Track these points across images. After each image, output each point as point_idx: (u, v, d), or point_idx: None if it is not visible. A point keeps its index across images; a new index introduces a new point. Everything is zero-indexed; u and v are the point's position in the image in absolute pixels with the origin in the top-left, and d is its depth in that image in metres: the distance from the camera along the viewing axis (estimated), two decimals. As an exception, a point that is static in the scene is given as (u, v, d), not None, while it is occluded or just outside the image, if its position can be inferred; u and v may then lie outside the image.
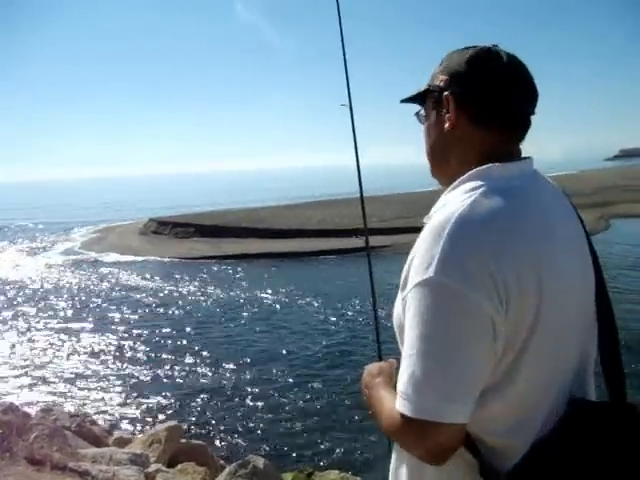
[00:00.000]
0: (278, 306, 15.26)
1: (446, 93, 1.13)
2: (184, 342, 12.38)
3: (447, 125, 1.13)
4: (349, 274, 17.97)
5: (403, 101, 1.26)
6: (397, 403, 0.98)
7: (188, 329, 13.39)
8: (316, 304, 15.09)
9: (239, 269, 20.46)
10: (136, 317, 14.71)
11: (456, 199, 1.00)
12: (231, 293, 16.83)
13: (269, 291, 16.78)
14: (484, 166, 1.06)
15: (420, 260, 0.96)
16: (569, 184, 39.07)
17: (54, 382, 10.35)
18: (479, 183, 1.02)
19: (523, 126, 1.13)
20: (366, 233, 1.88)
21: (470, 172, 1.05)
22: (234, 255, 22.71)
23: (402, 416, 0.97)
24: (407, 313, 0.97)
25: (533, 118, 1.14)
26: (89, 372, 10.85)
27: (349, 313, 13.88)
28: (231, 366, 10.78)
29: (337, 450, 7.39)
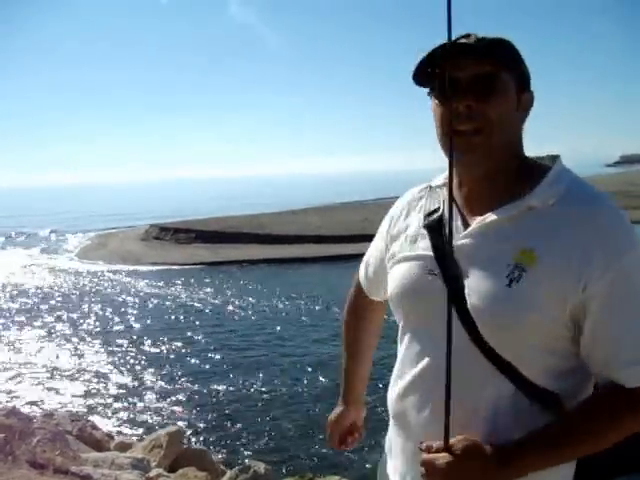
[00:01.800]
0: (278, 312, 15.28)
1: (528, 94, 1.16)
2: (185, 347, 12.40)
3: (521, 118, 1.16)
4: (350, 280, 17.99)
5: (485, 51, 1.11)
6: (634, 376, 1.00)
7: (190, 334, 13.41)
8: (317, 310, 15.12)
9: (240, 275, 20.50)
10: (137, 322, 14.74)
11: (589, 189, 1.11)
12: (232, 299, 16.85)
13: (269, 297, 16.80)
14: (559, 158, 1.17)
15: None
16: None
17: (56, 386, 10.37)
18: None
19: None
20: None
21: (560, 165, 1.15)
22: (235, 261, 22.76)
23: None
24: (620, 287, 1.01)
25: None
26: (91, 377, 10.87)
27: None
28: (232, 371, 10.79)
29: (337, 455, 7.39)
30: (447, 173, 1.11)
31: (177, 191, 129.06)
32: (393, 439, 1.30)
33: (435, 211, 1.24)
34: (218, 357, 11.66)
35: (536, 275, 1.02)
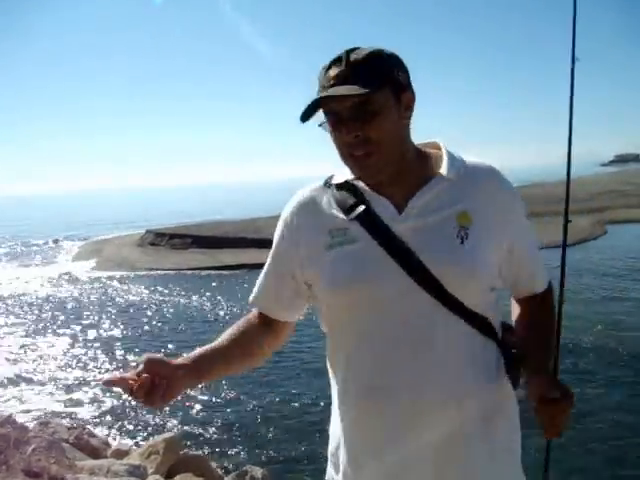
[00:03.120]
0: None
1: (409, 93, 1.29)
2: (182, 353, 12.30)
3: (405, 123, 1.30)
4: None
5: (367, 89, 1.19)
6: (544, 282, 1.45)
7: (186, 340, 13.37)
8: (314, 315, 15.07)
9: (237, 279, 20.46)
10: (133, 329, 14.71)
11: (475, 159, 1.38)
12: (229, 303, 16.83)
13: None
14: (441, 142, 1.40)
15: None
16: (564, 190, 39.04)
17: (52, 394, 10.34)
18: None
19: None
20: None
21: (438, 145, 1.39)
22: (231, 265, 22.72)
23: (549, 285, 1.48)
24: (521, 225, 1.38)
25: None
26: (87, 384, 10.83)
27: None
28: (229, 377, 10.74)
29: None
30: (347, 172, 1.32)
31: (174, 197, 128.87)
32: (365, 429, 1.31)
33: (356, 204, 1.31)
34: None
35: (475, 231, 1.27)
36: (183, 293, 18.67)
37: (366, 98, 1.20)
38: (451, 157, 1.33)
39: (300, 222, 1.39)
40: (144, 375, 1.23)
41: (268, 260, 1.48)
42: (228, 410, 9.26)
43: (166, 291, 19.14)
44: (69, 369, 11.76)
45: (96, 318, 16.02)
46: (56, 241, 38.12)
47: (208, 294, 18.30)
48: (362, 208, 1.30)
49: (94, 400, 10.03)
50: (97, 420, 9.15)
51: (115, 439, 8.09)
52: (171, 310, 16.55)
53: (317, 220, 1.36)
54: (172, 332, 14.20)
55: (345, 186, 1.35)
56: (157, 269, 23.32)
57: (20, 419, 5.98)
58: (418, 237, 1.26)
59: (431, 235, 1.26)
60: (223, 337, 1.49)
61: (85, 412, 9.52)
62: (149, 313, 16.40)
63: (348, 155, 1.26)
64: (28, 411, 9.37)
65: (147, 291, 19.41)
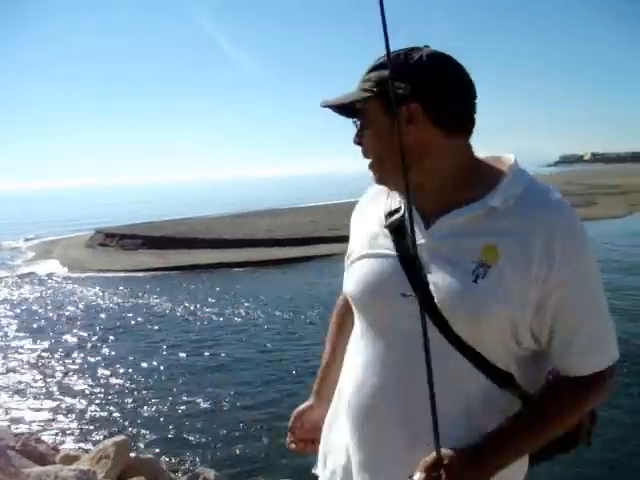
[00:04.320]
0: (228, 317, 15.15)
1: (414, 104, 1.14)
2: (130, 355, 12.15)
3: (411, 136, 1.14)
4: (302, 283, 18.14)
5: (329, 106, 1.23)
6: (612, 350, 1.15)
7: (134, 342, 13.17)
8: (268, 313, 15.06)
9: (189, 280, 20.22)
10: (80, 331, 14.34)
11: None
12: (180, 305, 16.58)
13: (220, 302, 16.65)
14: (517, 164, 1.21)
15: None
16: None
17: (-3, 401, 10.04)
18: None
19: (473, 127, 1.23)
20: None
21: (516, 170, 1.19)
22: (183, 266, 22.44)
23: (610, 367, 1.14)
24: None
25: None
26: (34, 389, 10.53)
27: (309, 323, 13.87)
28: (179, 378, 10.65)
29: (289, 459, 7.39)
30: None
31: (123, 197, 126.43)
32: (351, 445, 1.31)
33: (397, 211, 1.28)
34: (164, 364, 11.49)
35: (499, 271, 1.09)
36: (132, 295, 18.30)
37: (358, 108, 1.21)
38: (514, 180, 1.16)
39: (356, 218, 1.43)
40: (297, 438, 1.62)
41: None
42: (179, 412, 9.16)
43: (115, 293, 18.74)
44: (14, 373, 11.42)
45: (42, 320, 15.57)
46: None
47: (158, 295, 17.99)
48: (397, 215, 1.27)
49: (42, 405, 9.77)
50: (45, 426, 8.92)
51: (64, 444, 7.91)
52: (119, 312, 16.22)
53: (366, 217, 1.37)
54: (120, 334, 13.89)
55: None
56: (106, 270, 22.83)
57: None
58: (433, 260, 1.17)
59: (445, 262, 1.15)
60: (332, 340, 1.60)
61: (32, 418, 9.26)
62: (95, 315, 16.01)
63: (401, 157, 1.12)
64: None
65: (96, 293, 18.96)
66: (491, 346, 1.12)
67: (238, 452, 7.75)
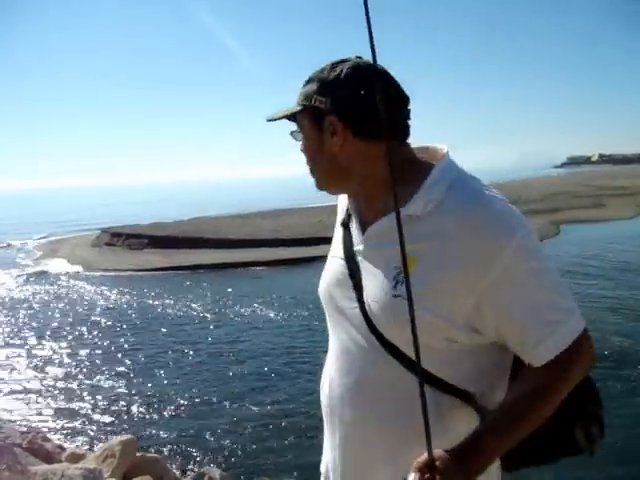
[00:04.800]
0: (232, 316, 15.17)
1: (332, 117, 1.20)
2: (137, 355, 12.20)
3: (336, 147, 1.21)
4: (308, 282, 18.10)
5: (271, 120, 1.31)
6: (568, 328, 1.09)
7: (140, 341, 13.22)
8: (271, 314, 15.07)
9: (194, 280, 20.26)
10: (86, 330, 14.40)
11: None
12: (185, 304, 16.64)
13: (224, 301, 16.68)
14: (446, 160, 1.21)
15: None
16: (518, 191, 40.08)
17: (4, 398, 10.08)
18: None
19: (406, 133, 1.24)
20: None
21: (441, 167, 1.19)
22: (188, 266, 22.48)
23: (584, 334, 1.12)
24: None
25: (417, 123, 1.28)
26: (41, 387, 10.59)
27: (314, 322, 13.84)
28: (186, 377, 10.68)
29: (295, 460, 7.40)
30: None
31: (123, 197, 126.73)
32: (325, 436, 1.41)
33: (349, 217, 1.36)
34: (171, 363, 11.52)
35: (415, 278, 1.04)
36: (138, 294, 18.34)
37: (297, 121, 1.29)
38: (435, 182, 1.15)
39: (335, 220, 1.47)
40: None
41: None
42: (186, 412, 9.18)
43: (122, 292, 18.79)
44: (23, 373, 11.47)
45: (48, 319, 15.64)
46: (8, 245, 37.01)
47: (164, 294, 18.02)
48: (341, 223, 1.37)
49: (48, 404, 9.82)
50: (52, 424, 8.96)
51: (71, 443, 7.93)
52: (125, 311, 16.28)
53: (338, 223, 1.43)
54: (127, 333, 13.95)
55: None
56: (113, 270, 22.89)
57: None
58: (366, 266, 1.23)
59: (372, 269, 1.21)
60: None
61: (40, 416, 9.30)
62: (103, 314, 16.07)
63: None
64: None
65: (102, 292, 19.03)
66: (427, 349, 1.04)
67: (244, 451, 7.76)
